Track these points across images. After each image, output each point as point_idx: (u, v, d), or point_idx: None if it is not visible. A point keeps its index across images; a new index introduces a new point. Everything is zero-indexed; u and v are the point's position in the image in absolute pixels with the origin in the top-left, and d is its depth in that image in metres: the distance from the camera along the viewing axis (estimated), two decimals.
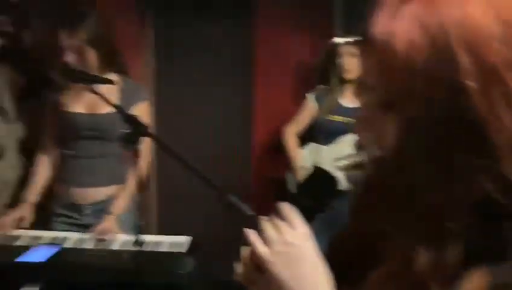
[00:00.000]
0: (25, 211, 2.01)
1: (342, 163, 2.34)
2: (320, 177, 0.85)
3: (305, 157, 2.57)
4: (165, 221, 2.69)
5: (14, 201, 2.39)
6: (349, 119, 2.40)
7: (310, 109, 2.59)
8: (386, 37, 0.54)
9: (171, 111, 2.57)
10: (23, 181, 2.38)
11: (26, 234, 1.93)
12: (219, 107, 2.69)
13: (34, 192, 2.09)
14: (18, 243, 1.86)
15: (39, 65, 2.27)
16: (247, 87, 2.72)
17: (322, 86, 2.59)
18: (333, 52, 2.48)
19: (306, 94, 2.59)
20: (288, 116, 2.66)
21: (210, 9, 2.54)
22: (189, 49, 2.58)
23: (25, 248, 1.78)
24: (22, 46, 2.32)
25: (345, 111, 2.45)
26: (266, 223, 0.67)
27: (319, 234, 0.72)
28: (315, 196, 0.82)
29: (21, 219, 1.98)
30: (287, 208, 0.68)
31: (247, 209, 1.24)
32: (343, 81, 2.49)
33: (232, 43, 2.64)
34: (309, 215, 0.96)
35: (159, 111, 2.49)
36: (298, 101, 2.68)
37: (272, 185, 2.79)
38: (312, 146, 2.59)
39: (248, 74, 2.70)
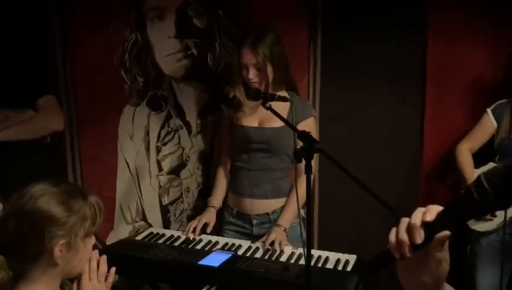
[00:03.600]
0: (211, 217, 2.18)
1: None
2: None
3: None
4: (325, 236, 2.69)
5: (194, 206, 2.65)
6: None
7: (488, 125, 2.35)
8: None
9: (335, 128, 2.56)
10: (202, 188, 2.62)
11: (206, 238, 2.11)
12: (385, 125, 2.58)
13: (218, 199, 2.26)
14: (199, 246, 2.04)
15: (220, 83, 2.47)
16: (417, 102, 2.57)
17: (504, 101, 2.33)
18: None
19: (487, 109, 2.36)
20: (461, 133, 2.45)
21: (380, 26, 2.47)
22: (356, 65, 2.54)
23: (205, 252, 1.94)
24: (205, 67, 2.54)
25: None
26: None
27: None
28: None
29: (207, 225, 2.16)
30: None
31: None
32: None
33: (402, 61, 2.53)
34: None
35: (323, 127, 2.51)
36: (473, 116, 2.45)
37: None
38: (490, 167, 2.34)
39: (419, 88, 2.56)
